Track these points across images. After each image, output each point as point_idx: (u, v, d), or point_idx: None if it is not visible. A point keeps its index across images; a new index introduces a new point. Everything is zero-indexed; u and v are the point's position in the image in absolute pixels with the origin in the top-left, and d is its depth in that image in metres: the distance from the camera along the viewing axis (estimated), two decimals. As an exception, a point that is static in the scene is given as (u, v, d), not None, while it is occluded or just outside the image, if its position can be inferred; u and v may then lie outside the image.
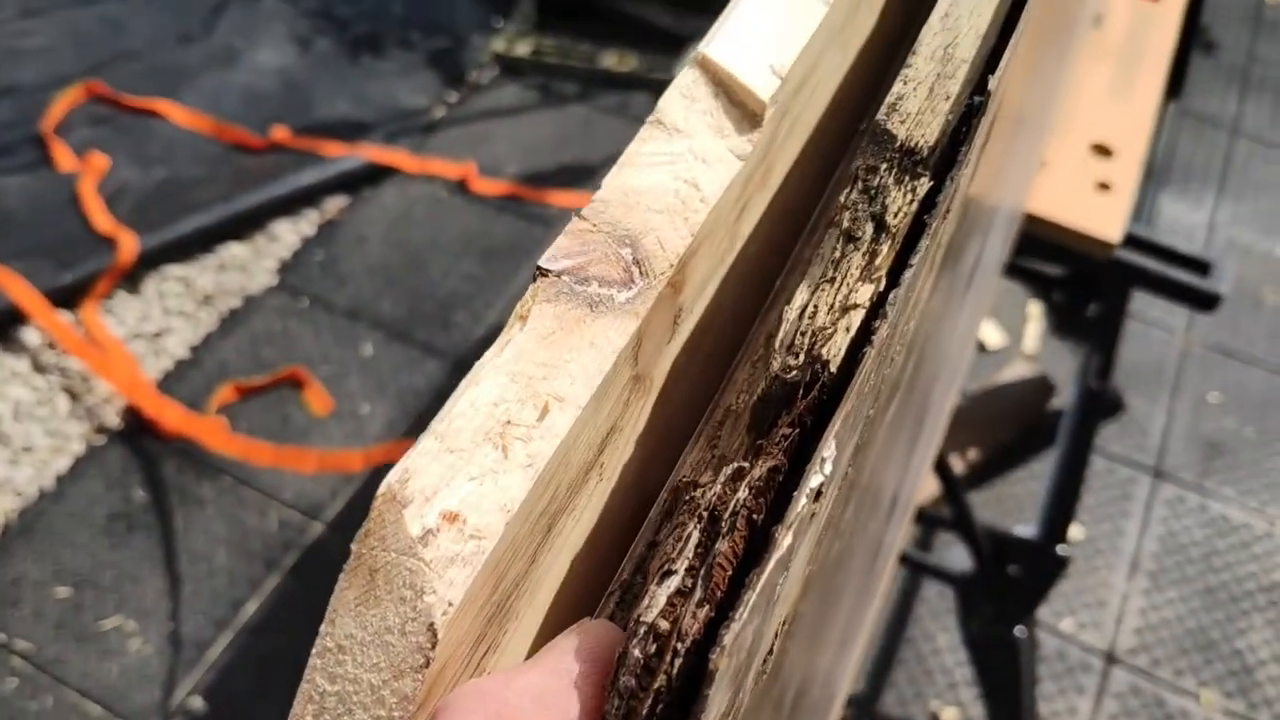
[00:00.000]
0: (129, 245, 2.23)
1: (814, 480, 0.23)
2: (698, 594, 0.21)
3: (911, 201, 0.28)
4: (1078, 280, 1.51)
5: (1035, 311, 2.48)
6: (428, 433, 0.24)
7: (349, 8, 2.87)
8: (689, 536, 0.23)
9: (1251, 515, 2.19)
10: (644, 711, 0.20)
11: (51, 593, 1.86)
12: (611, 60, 2.81)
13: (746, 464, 0.24)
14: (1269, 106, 3.10)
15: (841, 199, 0.29)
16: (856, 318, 0.26)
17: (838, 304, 0.27)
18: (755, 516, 0.23)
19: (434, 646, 0.22)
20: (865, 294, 0.27)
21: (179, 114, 2.51)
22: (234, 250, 2.33)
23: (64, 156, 2.39)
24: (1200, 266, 1.26)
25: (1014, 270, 1.51)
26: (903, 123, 0.30)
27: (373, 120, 2.61)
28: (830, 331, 0.26)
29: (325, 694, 0.22)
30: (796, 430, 0.25)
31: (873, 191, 0.29)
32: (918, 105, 0.30)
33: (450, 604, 0.22)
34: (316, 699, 0.22)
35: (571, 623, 0.31)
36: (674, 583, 0.22)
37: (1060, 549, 1.60)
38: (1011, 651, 1.72)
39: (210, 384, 2.11)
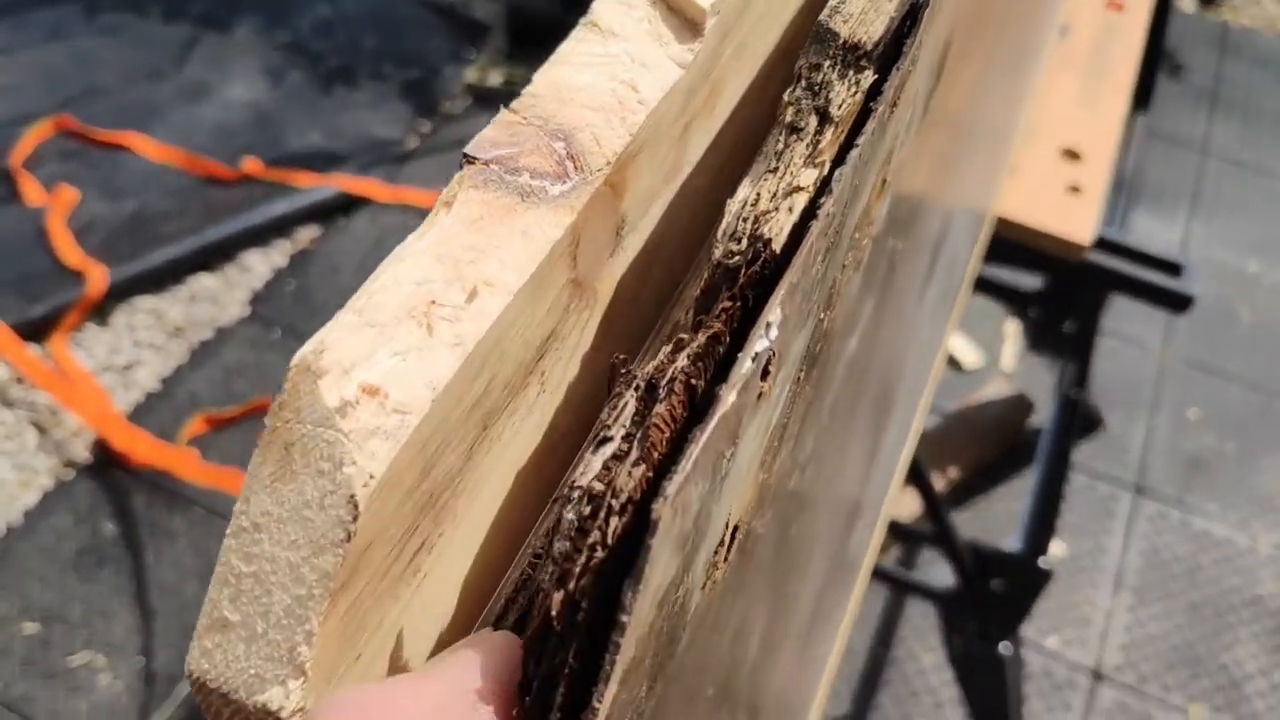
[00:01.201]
0: (98, 278, 2.21)
1: (758, 345, 0.22)
2: (634, 455, 0.20)
3: (855, 93, 0.27)
4: (1053, 295, 1.51)
5: (1012, 330, 2.49)
6: (345, 308, 0.23)
7: (321, 41, 2.87)
8: (624, 405, 0.22)
9: (1234, 530, 2.19)
10: (577, 572, 0.19)
11: (19, 629, 1.82)
12: (584, 90, 2.82)
13: (684, 336, 0.23)
14: (1237, 126, 3.13)
15: (785, 96, 0.28)
16: (800, 200, 0.25)
17: (780, 190, 0.26)
18: (694, 382, 0.22)
19: (355, 520, 0.20)
20: (809, 178, 0.26)
21: (149, 148, 2.50)
22: (205, 282, 2.31)
23: (32, 190, 2.37)
24: (1172, 268, 1.26)
25: (989, 287, 1.51)
26: (845, 22, 0.29)
27: (345, 151, 2.61)
28: (772, 214, 0.25)
29: (241, 575, 0.21)
30: (737, 304, 0.23)
31: (816, 87, 0.28)
32: (860, 5, 0.29)
33: (371, 476, 0.21)
34: (233, 582, 0.21)
35: (517, 544, 0.30)
36: (609, 449, 0.21)
37: (1043, 562, 1.59)
38: (997, 669, 1.70)
39: (181, 416, 2.09)
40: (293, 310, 2.31)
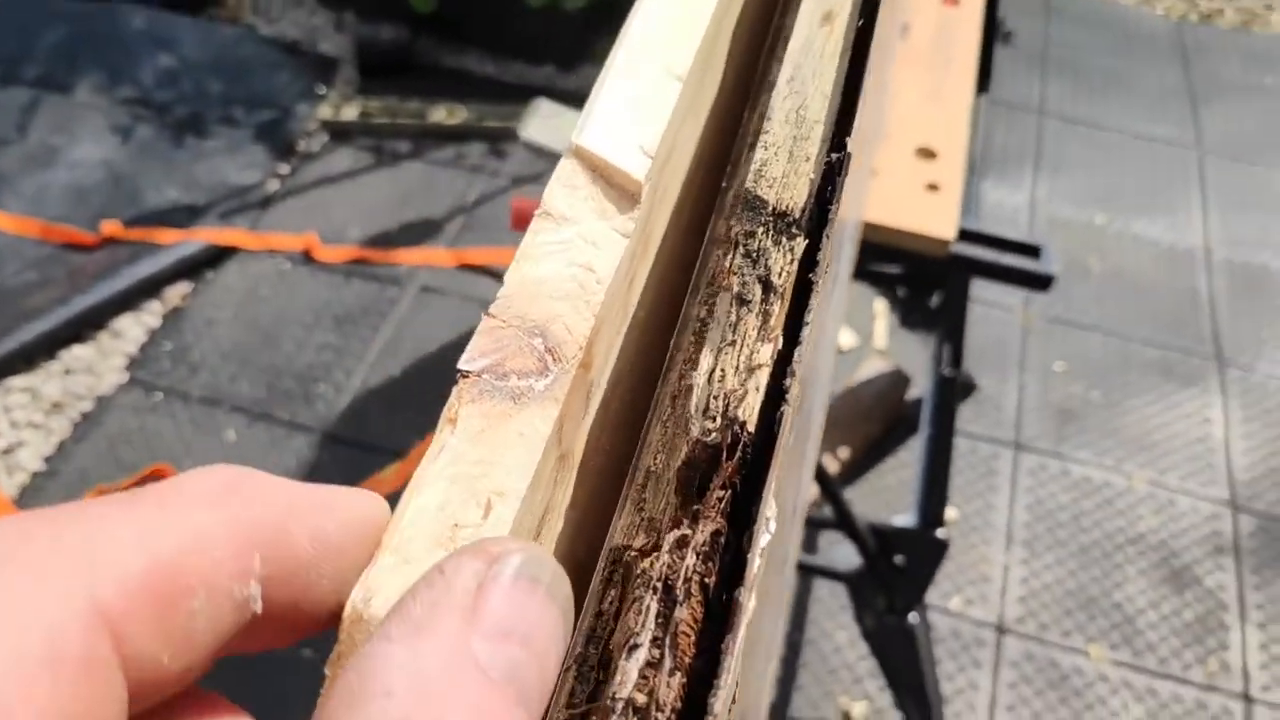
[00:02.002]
0: (-37, 362, 2.13)
1: (762, 541, 0.25)
2: (668, 663, 0.23)
3: (791, 261, 0.30)
4: (917, 275, 1.57)
5: (881, 309, 2.57)
6: (382, 548, 0.25)
7: (166, 92, 2.80)
8: (648, 609, 0.24)
9: (1109, 473, 2.31)
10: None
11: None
12: (441, 114, 2.82)
13: (689, 531, 0.26)
14: (1069, 86, 3.29)
15: (727, 264, 0.31)
16: (763, 376, 0.28)
17: (742, 365, 0.29)
18: (706, 580, 0.25)
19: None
20: (765, 353, 0.29)
21: (2, 220, 2.42)
22: (78, 352, 2.25)
23: (-121, 279, 2.28)
24: (1031, 251, 1.34)
25: (859, 273, 1.57)
26: (770, 187, 0.32)
27: (205, 202, 2.56)
28: (741, 393, 0.28)
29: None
30: (728, 492, 0.26)
31: (754, 255, 0.31)
32: (781, 169, 0.33)
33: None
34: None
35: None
36: (641, 655, 0.23)
37: (939, 532, 1.66)
38: (908, 638, 1.77)
39: (71, 494, 2.03)
40: (172, 372, 2.26)
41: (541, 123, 0.92)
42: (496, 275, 2.52)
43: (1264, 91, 3.36)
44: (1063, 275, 2.66)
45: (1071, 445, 2.36)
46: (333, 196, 2.68)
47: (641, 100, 0.36)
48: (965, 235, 1.31)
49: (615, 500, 0.35)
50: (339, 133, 2.80)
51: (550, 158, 0.97)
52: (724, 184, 0.43)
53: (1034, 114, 3.18)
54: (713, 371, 0.29)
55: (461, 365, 0.29)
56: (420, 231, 2.60)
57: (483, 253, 2.53)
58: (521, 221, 1.36)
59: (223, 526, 0.22)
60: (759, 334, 0.29)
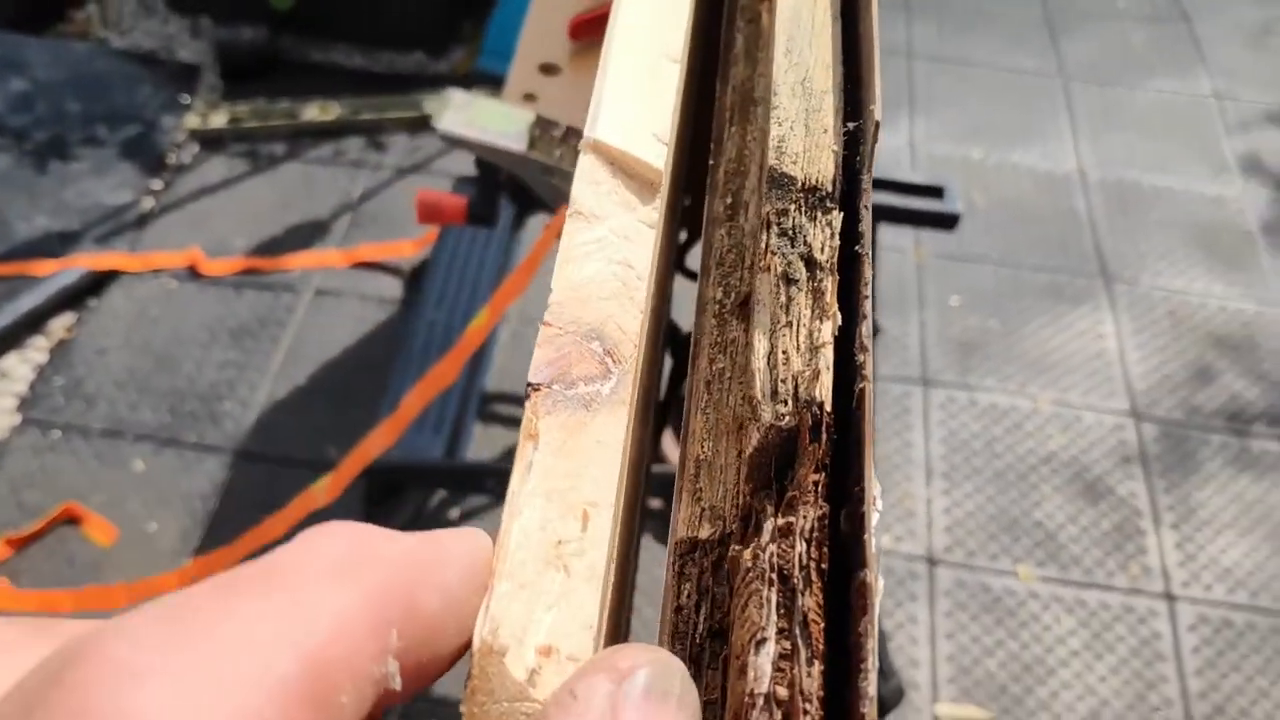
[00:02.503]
0: None
1: (874, 519, 0.24)
2: (803, 653, 0.23)
3: (831, 235, 0.30)
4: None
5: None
6: (498, 575, 0.24)
7: (21, 116, 2.68)
8: (768, 600, 0.24)
9: (1015, 397, 2.38)
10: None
11: None
12: (314, 112, 2.75)
13: (791, 519, 0.25)
14: (934, 27, 3.35)
15: (763, 244, 0.31)
16: (829, 354, 0.28)
17: (803, 344, 0.29)
18: (822, 565, 0.25)
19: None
20: (826, 331, 0.29)
21: None
22: (-37, 398, 2.15)
23: None
24: (935, 191, 1.36)
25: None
26: (794, 163, 0.32)
27: (79, 227, 2.46)
28: (811, 373, 0.28)
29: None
30: (823, 475, 0.26)
31: (791, 233, 0.31)
32: (801, 144, 0.32)
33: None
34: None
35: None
36: (771, 648, 0.23)
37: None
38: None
39: (-24, 546, 1.95)
40: (68, 407, 2.18)
41: (456, 113, 0.91)
42: (392, 271, 2.48)
43: (1116, 15, 3.47)
44: (949, 211, 2.73)
45: (976, 375, 2.42)
46: (212, 208, 2.59)
47: (645, 86, 0.36)
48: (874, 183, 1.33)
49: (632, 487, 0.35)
50: (210, 141, 2.71)
51: (470, 148, 0.96)
52: (710, 160, 0.43)
53: (903, 57, 3.23)
54: (771, 353, 0.29)
55: (531, 379, 0.28)
56: (308, 234, 2.54)
57: (374, 249, 2.49)
58: (428, 214, 1.34)
59: (358, 607, 0.21)
60: (815, 312, 0.29)
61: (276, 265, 2.45)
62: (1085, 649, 2.02)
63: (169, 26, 2.97)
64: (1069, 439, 2.31)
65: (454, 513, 2.08)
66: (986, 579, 2.10)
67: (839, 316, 0.29)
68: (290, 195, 2.63)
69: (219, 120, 2.71)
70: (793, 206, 0.31)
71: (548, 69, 1.35)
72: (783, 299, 0.30)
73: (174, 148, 2.69)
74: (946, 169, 2.87)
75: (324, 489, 1.32)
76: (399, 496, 1.87)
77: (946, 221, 1.35)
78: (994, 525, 2.17)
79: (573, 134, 0.91)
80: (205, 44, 2.91)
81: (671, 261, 0.48)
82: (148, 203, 2.58)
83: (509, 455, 2.07)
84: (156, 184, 2.62)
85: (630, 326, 0.30)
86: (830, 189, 0.31)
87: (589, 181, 0.32)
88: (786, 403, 0.28)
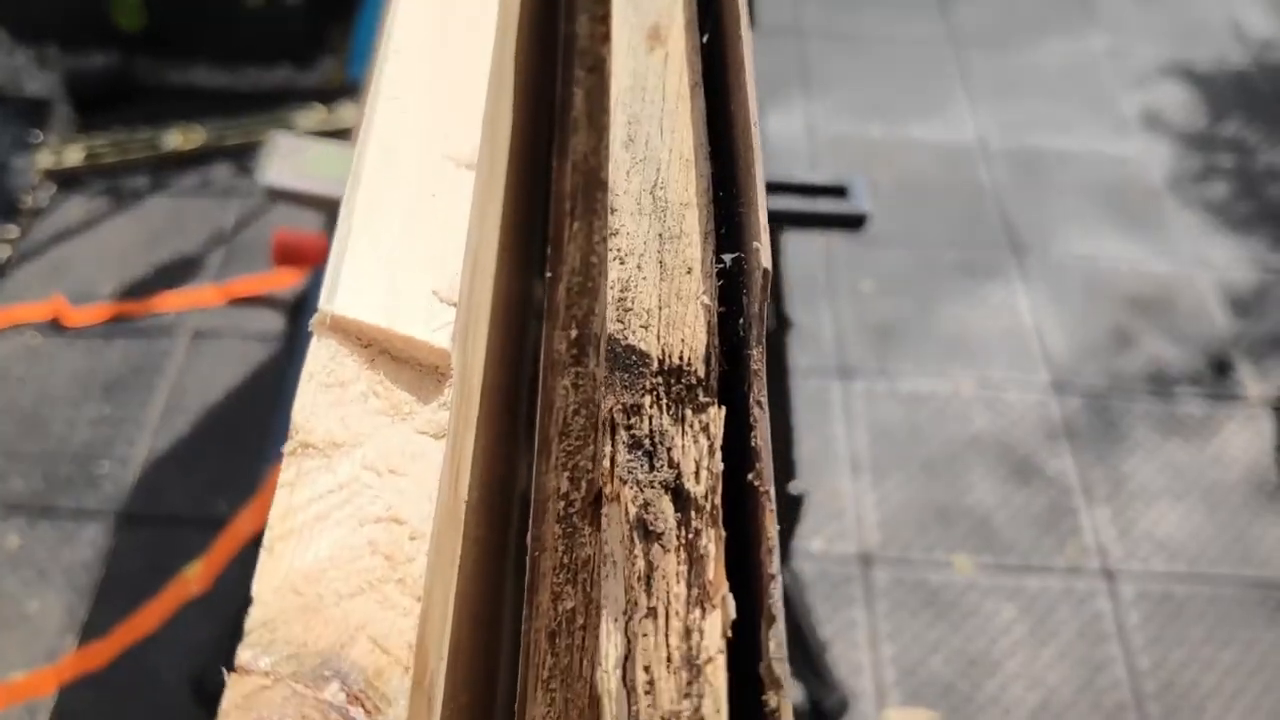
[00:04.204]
0: None
1: None
2: None
3: (710, 451, 0.19)
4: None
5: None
6: None
7: None
8: None
9: (934, 381, 2.31)
10: None
11: None
12: (176, 139, 2.58)
13: None
14: (824, 3, 3.27)
15: (606, 466, 0.20)
16: (719, 679, 0.17)
17: (676, 655, 0.18)
18: None
19: None
20: (713, 630, 0.18)
21: None
22: None
23: None
24: (839, 191, 1.26)
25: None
26: (646, 328, 0.21)
27: (-74, 286, 2.27)
28: (688, 714, 0.17)
29: None
30: None
31: (648, 445, 0.20)
32: (654, 295, 0.21)
33: None
34: None
35: None
36: None
37: (792, 487, 1.60)
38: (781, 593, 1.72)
39: None
40: (-72, 484, 2.00)
41: (283, 162, 0.78)
42: (272, 304, 2.33)
43: (1002, -24, 3.43)
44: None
45: (894, 361, 2.35)
46: (74, 252, 2.42)
47: (416, 217, 0.24)
48: (771, 186, 1.22)
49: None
50: (67, 180, 2.53)
51: (303, 203, 0.83)
52: (547, 272, 0.31)
53: (792, 36, 3.15)
54: (628, 665, 0.18)
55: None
56: (180, 272, 2.38)
57: (252, 283, 2.33)
58: (286, 257, 1.21)
59: None
60: (692, 592, 0.18)
61: (148, 309, 2.28)
62: (1029, 637, 1.96)
63: (13, 59, 2.77)
64: (993, 419, 2.25)
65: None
66: (924, 573, 2.03)
67: (731, 604, 0.18)
68: (158, 232, 2.46)
69: (75, 157, 2.53)
70: (647, 400, 0.20)
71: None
72: (640, 565, 0.19)
73: (27, 191, 2.50)
74: (848, 149, 2.79)
75: (196, 576, 1.18)
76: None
77: (854, 223, 1.25)
78: (925, 516, 2.11)
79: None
80: (54, 74, 2.71)
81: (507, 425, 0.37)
82: (3, 252, 2.39)
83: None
84: (11, 231, 2.43)
85: (398, 638, 0.18)
86: (702, 371, 0.20)
87: (326, 385, 0.21)
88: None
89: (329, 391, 0.21)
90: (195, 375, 2.20)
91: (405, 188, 0.23)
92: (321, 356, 0.21)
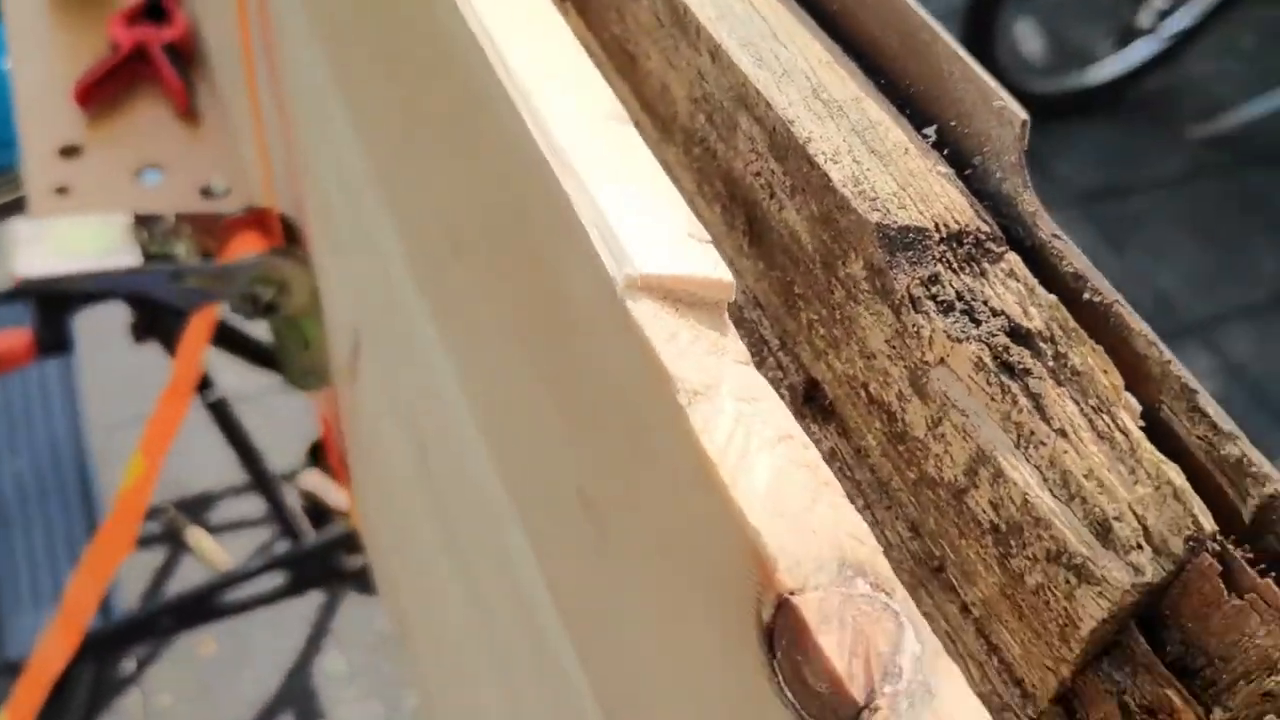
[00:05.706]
0: None
1: None
2: None
3: (1026, 285, 0.21)
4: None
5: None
6: None
7: None
8: None
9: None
10: None
11: None
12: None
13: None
14: None
15: (926, 338, 0.21)
16: (1159, 457, 0.19)
17: (1106, 456, 0.20)
18: None
19: None
20: (1130, 422, 0.20)
21: None
22: None
23: None
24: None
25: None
26: (903, 208, 0.22)
27: None
28: (1152, 491, 0.19)
29: None
30: None
31: (959, 306, 0.22)
32: (888, 178, 0.23)
33: None
34: None
35: None
36: None
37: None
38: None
39: None
40: None
41: (32, 249, 0.70)
42: None
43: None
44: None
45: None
46: None
47: (622, 173, 0.25)
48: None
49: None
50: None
51: (63, 286, 0.75)
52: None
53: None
54: (1066, 479, 0.20)
55: (852, 693, 0.17)
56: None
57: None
58: (-2, 363, 1.08)
59: None
60: (1088, 402, 0.20)
61: None
62: None
63: None
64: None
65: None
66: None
67: (1131, 399, 0.20)
68: None
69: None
70: (940, 268, 0.22)
71: (69, 152, 1.13)
72: (1022, 401, 0.21)
73: None
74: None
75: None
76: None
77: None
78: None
79: (184, 220, 0.73)
80: None
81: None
82: None
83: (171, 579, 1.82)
84: None
85: (864, 530, 0.19)
86: (984, 226, 0.22)
87: (665, 340, 0.21)
88: (1141, 547, 0.19)
89: (671, 344, 0.21)
90: None
91: (602, 152, 0.24)
92: (647, 315, 0.21)
